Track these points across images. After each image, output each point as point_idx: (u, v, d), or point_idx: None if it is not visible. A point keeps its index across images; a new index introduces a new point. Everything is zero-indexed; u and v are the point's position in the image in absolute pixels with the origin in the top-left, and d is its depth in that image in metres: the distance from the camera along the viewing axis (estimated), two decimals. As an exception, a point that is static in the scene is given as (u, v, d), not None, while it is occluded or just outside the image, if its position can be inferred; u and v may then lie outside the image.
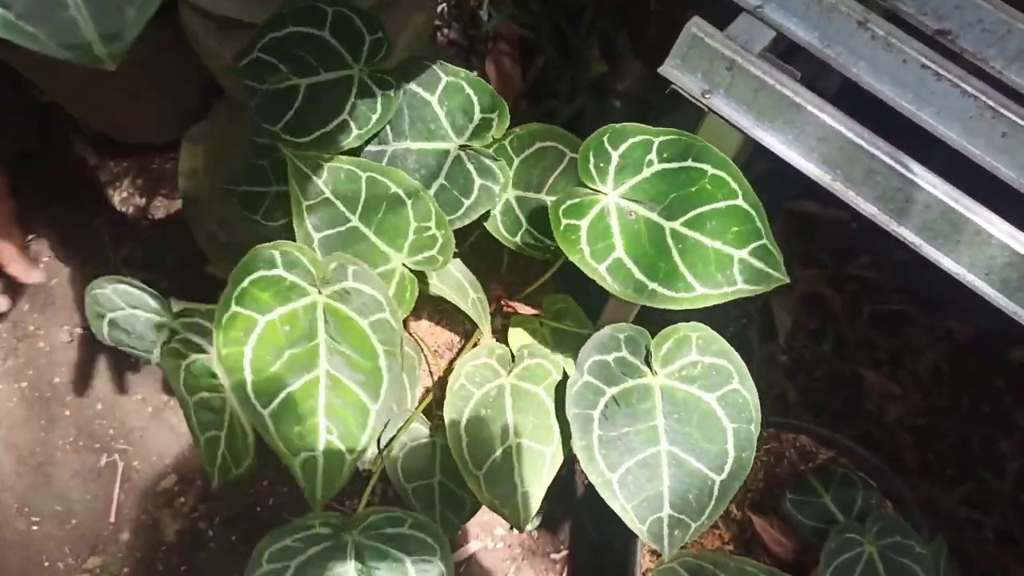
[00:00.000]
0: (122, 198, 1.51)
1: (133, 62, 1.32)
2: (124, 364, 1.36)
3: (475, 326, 1.10)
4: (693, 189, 0.78)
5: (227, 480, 0.87)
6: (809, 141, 0.78)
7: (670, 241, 0.77)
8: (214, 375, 0.86)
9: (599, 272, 0.77)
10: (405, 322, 1.10)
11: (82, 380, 1.35)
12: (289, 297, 0.75)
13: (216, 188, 1.38)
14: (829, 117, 0.77)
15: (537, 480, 0.86)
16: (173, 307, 0.86)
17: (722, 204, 0.77)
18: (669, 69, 0.87)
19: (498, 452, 0.85)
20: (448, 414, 0.83)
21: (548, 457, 0.84)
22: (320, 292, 0.76)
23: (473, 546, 1.25)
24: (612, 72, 1.58)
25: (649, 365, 0.77)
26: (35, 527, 1.24)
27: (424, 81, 0.86)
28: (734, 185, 0.78)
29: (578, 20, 1.54)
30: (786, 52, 0.82)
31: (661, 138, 0.79)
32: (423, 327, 1.10)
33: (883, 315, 1.40)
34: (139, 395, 1.35)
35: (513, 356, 0.89)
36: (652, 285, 0.76)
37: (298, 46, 0.85)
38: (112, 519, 1.25)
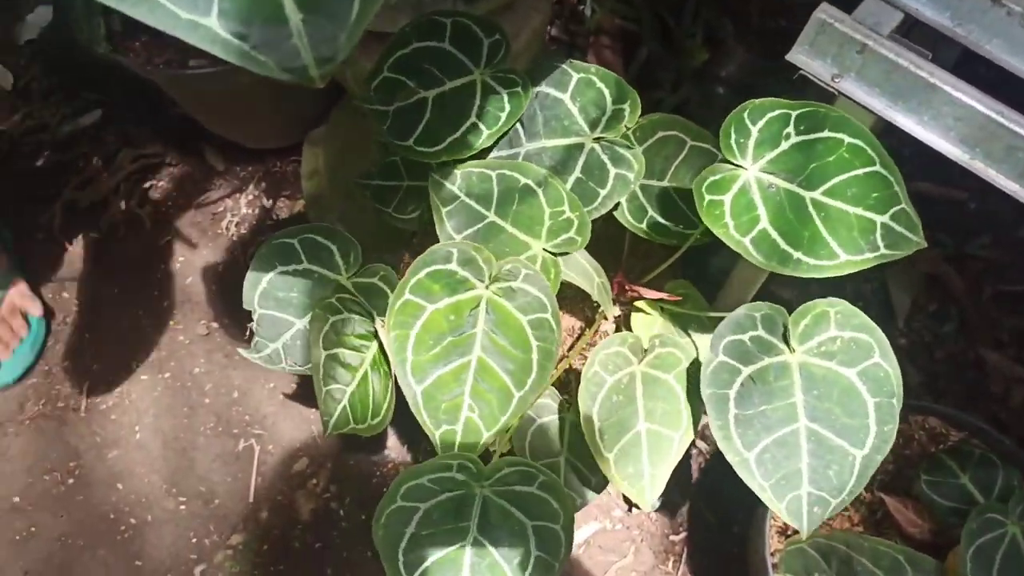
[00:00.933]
0: (248, 200, 1.60)
1: (268, 76, 1.41)
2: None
3: (595, 312, 1.14)
4: (831, 159, 0.79)
5: (339, 430, 0.92)
6: (945, 121, 0.78)
7: (812, 210, 0.79)
8: (361, 336, 0.92)
9: (744, 244, 0.79)
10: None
11: (219, 370, 1.44)
12: (458, 290, 0.81)
13: (336, 187, 1.46)
14: (967, 96, 0.77)
15: (664, 463, 0.88)
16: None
17: (860, 171, 0.78)
18: (797, 55, 0.88)
19: (628, 436, 0.88)
20: (582, 399, 0.87)
21: (675, 441, 0.87)
22: (487, 287, 0.81)
23: (592, 527, 1.28)
24: (714, 59, 1.58)
25: (787, 342, 0.78)
26: (183, 506, 1.34)
27: (555, 81, 0.89)
28: (872, 153, 0.79)
29: (680, 9, 1.55)
30: (901, 32, 0.82)
31: (798, 111, 0.80)
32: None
33: (1006, 295, 1.36)
34: (271, 383, 1.43)
35: (644, 346, 0.91)
36: (797, 254, 0.77)
37: (423, 60, 0.90)
38: (251, 499, 1.34)
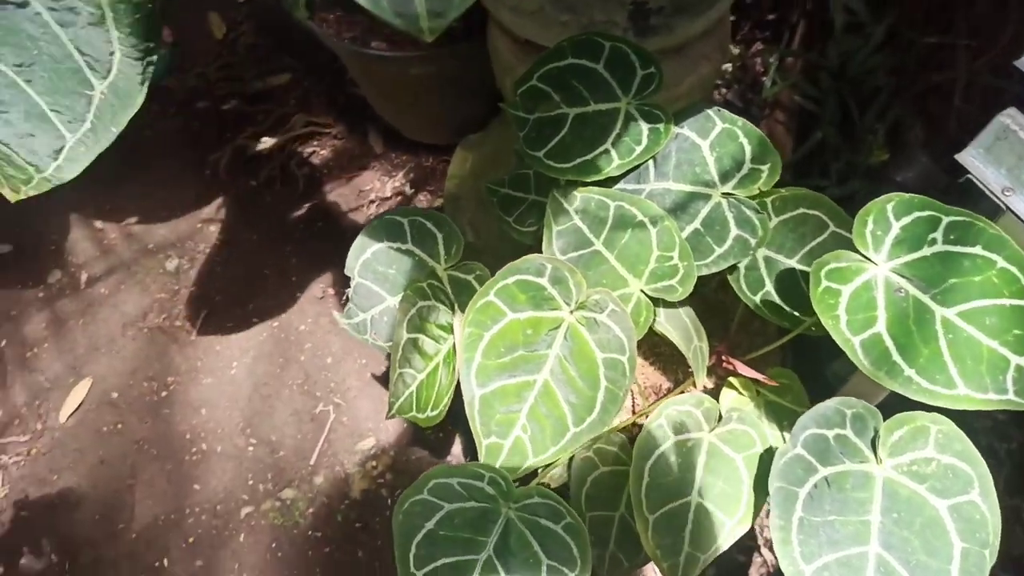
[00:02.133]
0: (394, 187, 1.67)
1: (438, 73, 1.48)
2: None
3: (687, 377, 1.09)
4: (976, 279, 0.72)
5: (402, 414, 0.91)
6: None
7: (939, 328, 0.71)
8: (442, 327, 0.92)
9: (852, 344, 0.73)
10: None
11: (321, 334, 1.50)
12: (542, 306, 0.80)
13: (476, 193, 1.49)
14: None
15: (707, 545, 0.82)
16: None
17: (1007, 302, 0.71)
18: (969, 157, 0.81)
19: (676, 504, 0.83)
20: (638, 449, 0.83)
21: (726, 528, 0.80)
22: (572, 312, 0.80)
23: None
24: (893, 161, 1.49)
25: (875, 451, 0.71)
26: (250, 448, 1.39)
27: (698, 125, 0.87)
28: (1025, 283, 0.71)
29: (869, 102, 1.48)
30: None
31: (951, 218, 0.74)
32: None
33: None
34: (363, 360, 1.47)
35: (721, 415, 0.86)
36: (909, 370, 0.70)
37: (573, 77, 0.90)
38: (312, 462, 1.37)
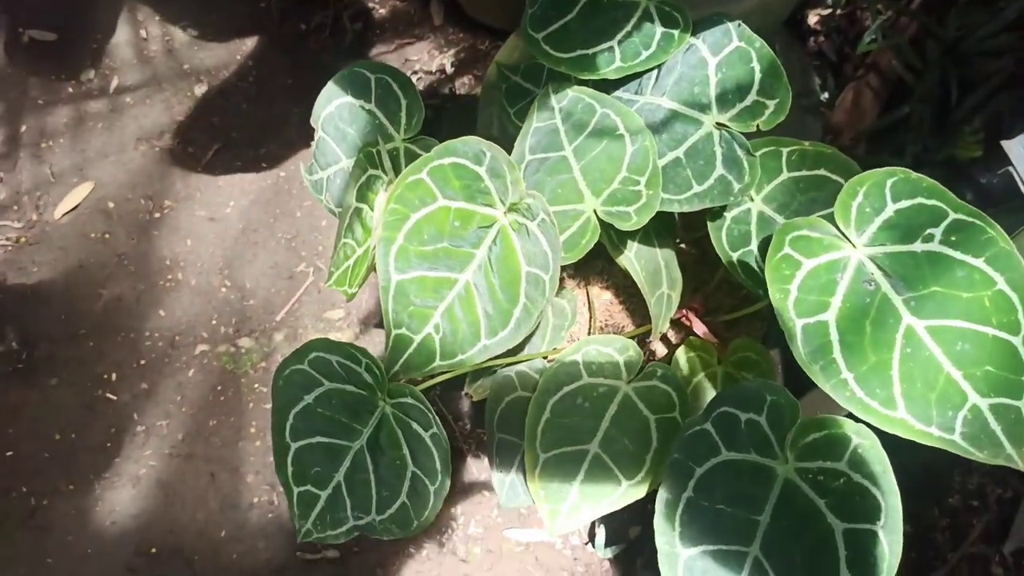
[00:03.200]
0: (439, 64, 1.56)
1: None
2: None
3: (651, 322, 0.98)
4: (965, 295, 0.59)
5: (338, 286, 0.85)
6: None
7: (899, 337, 0.60)
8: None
9: (794, 326, 0.62)
10: (589, 284, 1.01)
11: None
12: (476, 199, 0.71)
13: (500, 75, 1.38)
14: None
15: (595, 502, 0.74)
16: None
17: (990, 331, 0.58)
18: (1015, 145, 0.67)
19: (572, 448, 0.74)
20: (545, 379, 0.74)
21: (621, 488, 0.72)
22: (505, 213, 0.70)
23: (540, 535, 1.15)
24: (984, 160, 1.30)
25: (784, 448, 0.61)
26: (223, 289, 1.37)
27: (712, 40, 0.74)
28: (1022, 318, 0.58)
29: (974, 86, 1.28)
30: None
31: (960, 215, 0.61)
32: (603, 299, 1.00)
33: None
34: (356, 231, 1.41)
35: (644, 368, 0.76)
36: (847, 374, 0.59)
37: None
38: (278, 318, 1.34)
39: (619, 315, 0.99)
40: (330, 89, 0.86)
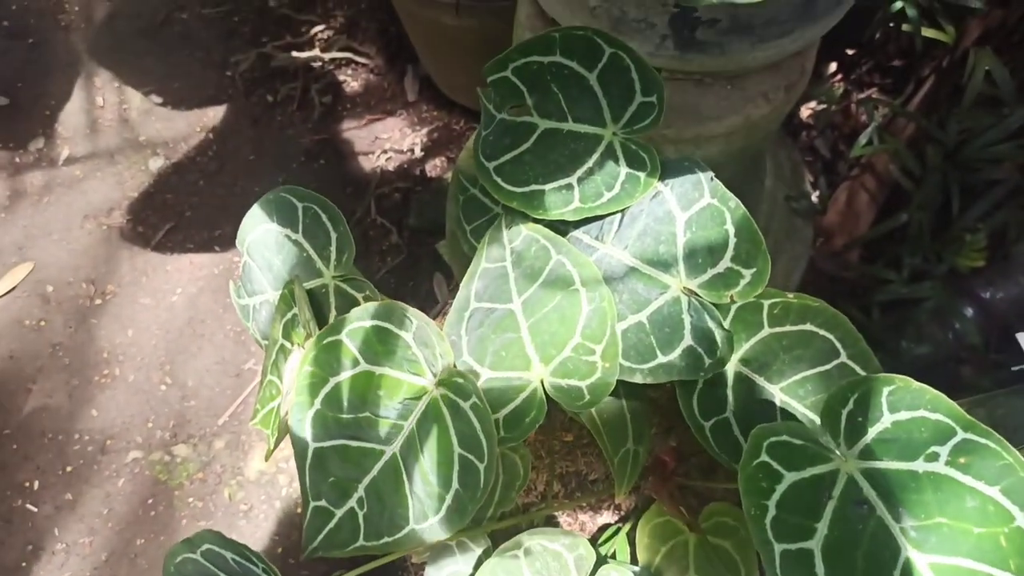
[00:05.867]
0: (409, 143, 1.48)
1: (478, 28, 1.27)
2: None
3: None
4: (976, 531, 0.49)
5: (264, 427, 0.75)
6: None
7: (897, 573, 0.49)
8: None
9: (772, 550, 0.51)
10: (547, 419, 0.90)
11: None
12: (403, 366, 0.61)
13: (459, 186, 1.29)
14: None
15: None
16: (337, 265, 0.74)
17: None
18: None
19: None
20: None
21: None
22: (436, 386, 0.61)
23: None
24: (986, 272, 1.21)
25: None
26: (163, 387, 1.26)
27: (683, 190, 0.64)
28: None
29: (978, 195, 1.19)
30: None
31: (971, 436, 0.50)
32: (564, 441, 0.89)
33: None
34: (311, 326, 1.31)
35: (596, 568, 0.65)
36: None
37: (555, 80, 0.69)
38: (220, 422, 1.23)
39: (580, 460, 0.88)
40: (255, 213, 0.76)
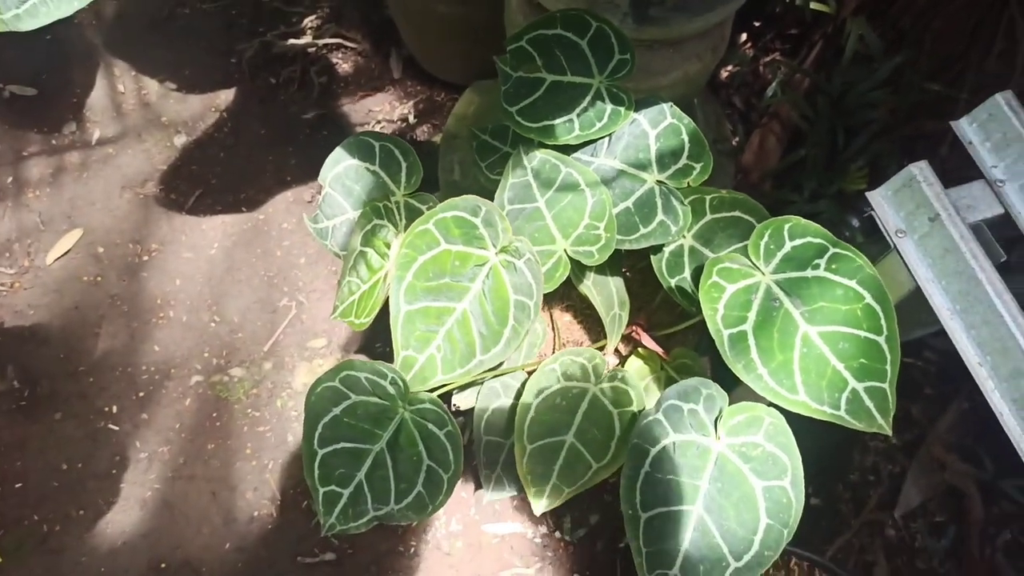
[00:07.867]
0: (400, 113, 1.74)
1: (466, 15, 1.55)
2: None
3: (606, 338, 1.18)
4: (844, 308, 0.80)
5: (343, 318, 1.01)
6: (973, 318, 0.78)
7: (798, 341, 0.80)
8: (389, 245, 1.02)
9: (722, 335, 0.82)
10: (552, 307, 1.20)
11: (301, 235, 1.59)
12: (472, 243, 0.88)
13: (471, 136, 1.57)
14: (1004, 306, 0.76)
15: (571, 482, 0.92)
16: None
17: (862, 334, 0.79)
18: (876, 196, 0.89)
19: (553, 439, 0.93)
20: (530, 385, 0.92)
21: (591, 470, 0.90)
22: (496, 254, 0.88)
23: (513, 527, 1.32)
24: (867, 192, 1.55)
25: (716, 428, 0.80)
26: (213, 324, 1.50)
27: (652, 116, 0.94)
28: (883, 323, 0.80)
29: (857, 132, 1.53)
30: (992, 225, 0.82)
31: (837, 249, 0.82)
32: (565, 319, 1.19)
33: (1020, 548, 1.27)
34: (334, 267, 1.57)
35: (609, 373, 0.95)
36: (762, 370, 0.80)
37: (557, 47, 0.97)
38: (265, 348, 1.48)
39: (578, 332, 1.18)
40: (338, 153, 1.03)
